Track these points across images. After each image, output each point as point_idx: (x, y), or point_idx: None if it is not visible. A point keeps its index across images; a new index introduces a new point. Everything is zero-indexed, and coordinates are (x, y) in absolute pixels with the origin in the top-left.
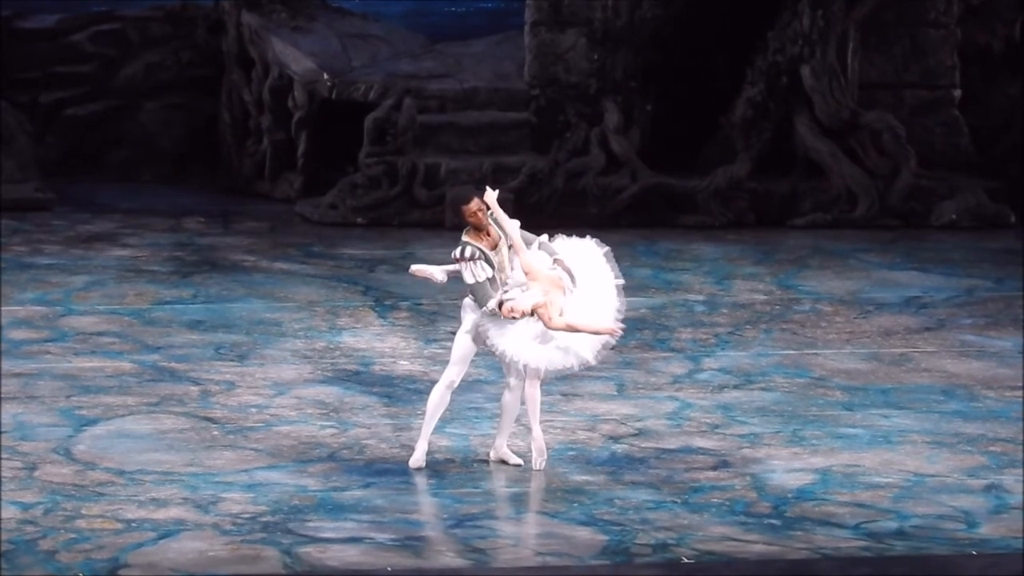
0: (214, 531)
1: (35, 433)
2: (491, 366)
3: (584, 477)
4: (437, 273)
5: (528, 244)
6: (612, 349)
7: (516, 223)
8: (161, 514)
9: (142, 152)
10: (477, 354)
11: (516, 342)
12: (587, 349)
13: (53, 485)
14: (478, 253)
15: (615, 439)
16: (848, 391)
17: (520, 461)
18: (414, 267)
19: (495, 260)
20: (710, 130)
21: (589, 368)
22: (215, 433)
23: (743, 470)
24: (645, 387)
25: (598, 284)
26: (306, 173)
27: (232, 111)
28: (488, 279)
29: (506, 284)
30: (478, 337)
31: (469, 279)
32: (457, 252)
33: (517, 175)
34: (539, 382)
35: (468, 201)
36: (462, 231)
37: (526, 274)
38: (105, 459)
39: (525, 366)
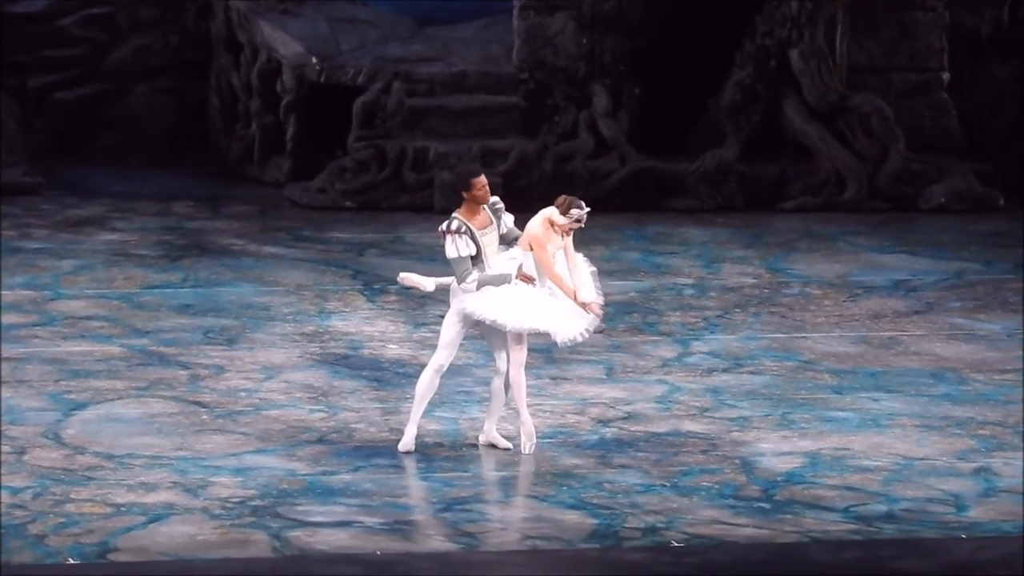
0: (203, 515)
1: (24, 417)
2: (480, 350)
3: (573, 461)
4: (426, 283)
5: (515, 239)
6: (600, 333)
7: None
8: (150, 498)
9: (131, 136)
10: (466, 338)
11: (496, 308)
12: (567, 323)
13: (42, 469)
14: (464, 228)
15: (604, 423)
16: (837, 374)
17: (509, 445)
18: (403, 275)
19: (481, 241)
20: (699, 114)
21: (575, 351)
22: (204, 417)
23: (732, 453)
24: (634, 371)
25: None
26: (295, 157)
27: (221, 95)
28: (471, 256)
29: (490, 267)
30: (467, 321)
31: (451, 253)
32: (444, 225)
33: (506, 159)
34: (523, 366)
35: (479, 174)
36: (454, 212)
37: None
38: (94, 443)
39: (511, 328)
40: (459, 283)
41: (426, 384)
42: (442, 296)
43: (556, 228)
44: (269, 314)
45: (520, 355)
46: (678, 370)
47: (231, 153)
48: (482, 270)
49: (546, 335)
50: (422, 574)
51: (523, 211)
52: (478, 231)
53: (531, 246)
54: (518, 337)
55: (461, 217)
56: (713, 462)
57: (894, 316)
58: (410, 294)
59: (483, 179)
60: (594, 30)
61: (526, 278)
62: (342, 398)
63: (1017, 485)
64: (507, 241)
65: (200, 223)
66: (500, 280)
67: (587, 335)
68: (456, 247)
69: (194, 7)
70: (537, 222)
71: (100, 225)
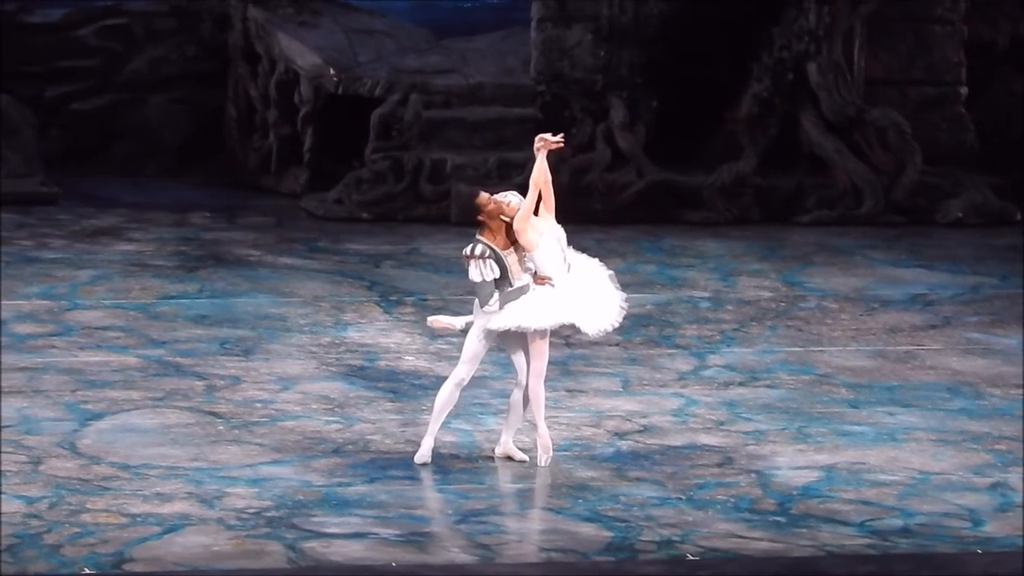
0: (219, 526)
1: (40, 427)
2: (497, 362)
3: (589, 473)
4: (456, 323)
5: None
6: (617, 345)
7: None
8: (166, 508)
9: (147, 146)
10: (491, 349)
11: (519, 314)
12: (594, 315)
13: (58, 479)
14: (488, 252)
15: (620, 435)
16: (853, 388)
17: (525, 457)
18: (431, 319)
19: (506, 261)
20: (716, 126)
21: (591, 363)
22: (220, 428)
23: (748, 467)
24: (650, 383)
25: (596, 279)
26: (312, 168)
27: (238, 106)
28: (495, 279)
29: (512, 286)
30: (490, 336)
31: (475, 277)
32: (467, 249)
33: (522, 171)
34: (543, 378)
35: (477, 193)
36: (469, 227)
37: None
38: (110, 453)
39: (530, 329)
40: (482, 306)
41: (446, 397)
42: (458, 308)
43: (510, 217)
44: (285, 325)
45: (540, 365)
46: (694, 383)
47: (248, 164)
48: (507, 288)
49: (575, 329)
50: None
51: None
52: (502, 251)
53: (530, 243)
54: (539, 347)
55: (484, 240)
56: (729, 475)
57: (910, 330)
58: (426, 306)
59: (484, 195)
60: (611, 42)
61: (542, 280)
62: (358, 409)
63: None
64: None
65: (216, 234)
66: (519, 293)
67: (617, 324)
68: (480, 272)
69: (211, 18)
70: (517, 230)
71: (116, 235)
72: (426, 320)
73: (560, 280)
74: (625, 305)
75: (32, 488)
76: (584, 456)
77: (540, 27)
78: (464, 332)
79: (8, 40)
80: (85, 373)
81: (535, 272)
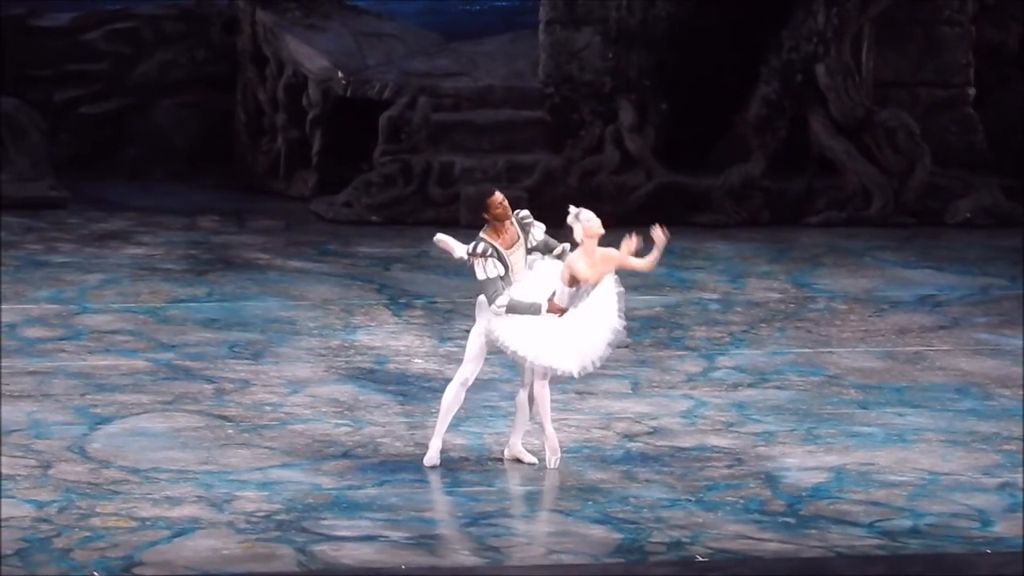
0: (229, 529)
1: (50, 431)
2: (505, 364)
3: (598, 475)
4: (458, 249)
5: (551, 250)
6: (626, 348)
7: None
8: (176, 512)
9: (156, 150)
10: (492, 352)
11: (524, 340)
12: (591, 354)
13: (68, 483)
14: (491, 250)
15: (630, 437)
16: (863, 389)
17: (535, 459)
18: (439, 236)
19: (509, 259)
20: (724, 128)
21: (601, 368)
22: (230, 431)
23: (757, 468)
24: (660, 385)
25: (601, 308)
26: (321, 171)
27: (247, 109)
28: (499, 276)
29: (517, 281)
30: (491, 336)
31: (480, 275)
32: (471, 247)
33: (531, 173)
34: (547, 380)
35: (492, 193)
36: (478, 229)
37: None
38: (120, 457)
39: (531, 363)
40: (489, 304)
41: (451, 398)
42: (467, 311)
43: (589, 252)
44: (295, 328)
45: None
46: (703, 385)
47: (257, 167)
48: (508, 285)
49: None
50: None
51: (548, 227)
52: (505, 250)
53: (579, 277)
54: None
55: (487, 238)
56: (738, 477)
57: (920, 331)
58: (436, 309)
59: (498, 196)
60: (620, 45)
61: (558, 309)
62: (367, 412)
63: None
64: (546, 251)
65: (226, 237)
66: (530, 309)
67: (599, 363)
68: (484, 269)
69: (219, 21)
70: (573, 259)
71: (126, 239)
72: (434, 239)
73: (570, 312)
74: (624, 331)
75: (42, 492)
76: (594, 458)
77: (548, 30)
78: (460, 260)
79: (17, 44)
80: (94, 377)
81: (553, 294)
